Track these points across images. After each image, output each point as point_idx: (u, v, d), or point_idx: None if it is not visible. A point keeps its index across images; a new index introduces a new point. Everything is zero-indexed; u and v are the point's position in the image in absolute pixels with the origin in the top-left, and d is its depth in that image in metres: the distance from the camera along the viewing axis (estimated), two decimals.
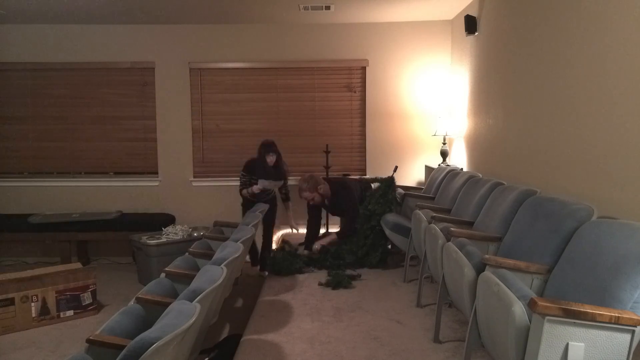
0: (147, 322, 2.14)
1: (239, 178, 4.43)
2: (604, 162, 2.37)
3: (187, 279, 2.46)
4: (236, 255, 2.53)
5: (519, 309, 1.61)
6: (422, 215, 3.18)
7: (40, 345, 3.24)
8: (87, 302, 3.73)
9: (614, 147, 2.29)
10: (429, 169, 4.93)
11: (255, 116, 5.37)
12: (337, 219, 4.86)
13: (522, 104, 3.34)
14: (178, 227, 4.77)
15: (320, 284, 3.52)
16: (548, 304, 1.49)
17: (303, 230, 4.56)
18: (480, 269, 2.08)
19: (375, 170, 5.22)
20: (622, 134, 2.23)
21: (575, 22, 2.64)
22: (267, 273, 4.03)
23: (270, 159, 4.31)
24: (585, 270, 1.81)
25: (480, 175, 3.55)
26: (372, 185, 4.44)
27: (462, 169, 4.42)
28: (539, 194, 2.59)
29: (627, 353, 1.51)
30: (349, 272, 3.74)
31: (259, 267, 4.55)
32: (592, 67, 2.48)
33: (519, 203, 2.60)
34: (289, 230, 4.88)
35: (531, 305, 1.52)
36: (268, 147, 4.33)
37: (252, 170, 4.35)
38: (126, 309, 2.19)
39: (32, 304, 3.51)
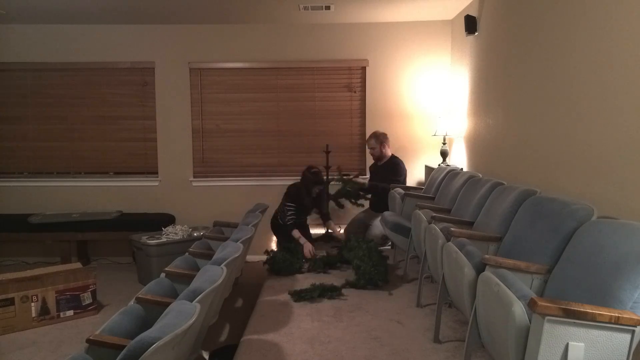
0: (147, 322, 2.14)
1: (286, 210, 4.18)
2: (604, 162, 2.37)
3: (187, 279, 2.46)
4: (236, 255, 2.53)
5: (519, 309, 1.60)
6: (422, 215, 3.18)
7: (40, 345, 3.24)
8: (87, 302, 3.73)
9: (614, 147, 2.29)
10: (429, 169, 4.93)
11: (255, 116, 5.37)
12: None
13: (522, 104, 3.34)
14: (178, 227, 4.77)
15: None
16: (548, 304, 1.49)
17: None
18: (480, 269, 2.08)
19: None
20: (622, 133, 2.23)
21: (576, 21, 2.64)
22: None
23: (315, 191, 4.27)
24: (585, 270, 1.80)
25: (480, 175, 3.55)
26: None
27: (462, 169, 4.42)
28: (539, 194, 2.59)
29: (627, 353, 1.51)
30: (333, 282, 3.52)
31: None
32: (593, 66, 2.48)
33: (519, 203, 2.60)
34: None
35: (531, 305, 1.52)
36: (320, 181, 4.24)
37: (297, 200, 4.20)
38: (126, 309, 2.19)
39: (32, 304, 3.51)
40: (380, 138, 4.71)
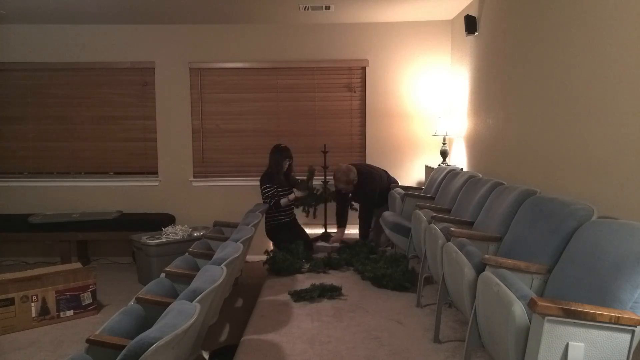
0: (147, 322, 2.14)
1: (266, 195, 4.42)
2: (604, 162, 2.37)
3: (187, 279, 2.46)
4: (236, 255, 2.53)
5: (519, 309, 1.61)
6: (422, 215, 3.18)
7: (40, 345, 3.24)
8: (87, 302, 3.73)
9: (614, 147, 2.29)
10: (429, 169, 4.93)
11: (255, 116, 5.37)
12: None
13: (522, 104, 3.34)
14: (178, 227, 4.77)
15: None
16: (548, 304, 1.49)
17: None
18: (480, 269, 2.08)
19: None
20: (622, 133, 2.23)
21: (576, 22, 2.65)
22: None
23: (286, 164, 4.55)
24: (585, 270, 1.80)
25: (480, 175, 3.55)
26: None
27: (462, 169, 4.42)
28: (539, 194, 2.59)
29: (627, 353, 1.51)
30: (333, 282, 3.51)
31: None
32: (592, 66, 2.48)
33: (519, 203, 2.60)
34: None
35: (531, 305, 1.52)
36: (286, 151, 4.54)
37: (271, 179, 4.46)
38: (126, 309, 2.19)
39: (32, 304, 3.51)
40: (350, 177, 4.47)
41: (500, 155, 3.73)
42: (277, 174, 4.49)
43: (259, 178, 4.56)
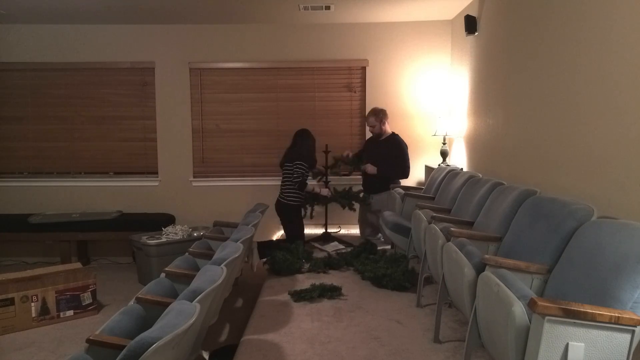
0: (147, 322, 2.14)
1: (297, 172, 4.36)
2: (604, 162, 2.37)
3: (187, 279, 2.46)
4: (236, 255, 2.53)
5: (519, 309, 1.61)
6: (422, 215, 3.18)
7: (40, 345, 3.24)
8: (87, 302, 3.73)
9: (614, 147, 2.29)
10: (429, 169, 4.94)
11: (255, 116, 5.38)
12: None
13: (522, 104, 3.34)
14: (178, 227, 4.77)
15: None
16: (548, 304, 1.49)
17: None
18: (480, 269, 2.08)
19: None
20: (623, 133, 2.23)
21: (576, 21, 2.65)
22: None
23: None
24: (585, 270, 1.80)
25: (480, 175, 3.55)
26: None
27: (462, 169, 4.42)
28: (539, 194, 2.59)
29: (627, 353, 1.51)
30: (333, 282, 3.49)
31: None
32: (593, 66, 2.48)
33: (519, 203, 2.60)
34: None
35: (531, 305, 1.52)
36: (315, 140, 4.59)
37: (309, 162, 4.48)
38: (126, 309, 2.19)
39: (32, 304, 3.51)
40: (380, 115, 4.70)
41: (500, 155, 3.73)
42: (309, 158, 4.51)
43: (283, 157, 4.56)
